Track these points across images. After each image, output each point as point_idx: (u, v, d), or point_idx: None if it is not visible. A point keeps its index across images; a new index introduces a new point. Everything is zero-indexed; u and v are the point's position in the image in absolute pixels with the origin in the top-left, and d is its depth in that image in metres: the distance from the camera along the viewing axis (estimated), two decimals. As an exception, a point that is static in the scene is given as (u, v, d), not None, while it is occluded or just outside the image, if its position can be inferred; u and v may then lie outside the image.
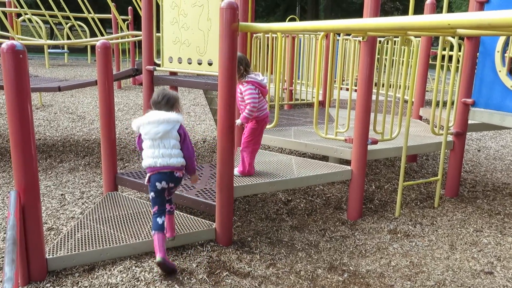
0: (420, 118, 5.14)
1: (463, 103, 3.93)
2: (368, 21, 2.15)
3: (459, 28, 1.94)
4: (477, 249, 3.13)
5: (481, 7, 3.72)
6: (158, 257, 2.52)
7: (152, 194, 2.67)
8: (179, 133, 2.64)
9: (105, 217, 3.10)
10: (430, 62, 5.21)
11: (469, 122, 4.05)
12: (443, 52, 4.06)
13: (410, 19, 1.80)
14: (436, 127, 4.06)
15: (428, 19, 1.73)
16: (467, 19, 1.55)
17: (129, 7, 11.46)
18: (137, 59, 11.81)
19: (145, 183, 2.74)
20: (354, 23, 2.16)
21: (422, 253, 3.05)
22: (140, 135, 2.68)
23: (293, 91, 6.26)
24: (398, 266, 2.87)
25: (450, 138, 4.04)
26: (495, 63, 3.73)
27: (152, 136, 2.60)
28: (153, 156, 2.61)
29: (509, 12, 1.45)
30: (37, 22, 8.76)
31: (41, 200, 3.58)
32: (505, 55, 3.83)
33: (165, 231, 2.68)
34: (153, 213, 2.67)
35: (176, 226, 2.94)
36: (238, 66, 2.94)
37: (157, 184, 2.62)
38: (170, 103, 2.69)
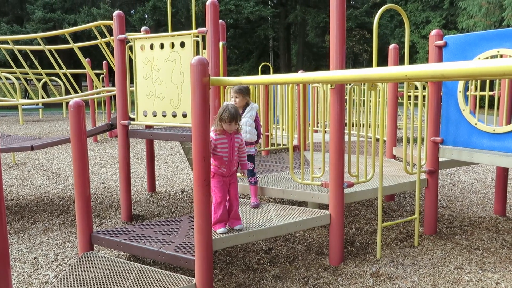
0: (394, 157, 5.25)
1: (432, 141, 4.05)
2: (332, 74, 2.24)
3: (415, 79, 2.05)
4: (460, 287, 3.13)
5: (439, 50, 3.94)
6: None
7: None
8: None
9: (80, 280, 2.98)
10: (399, 100, 5.39)
11: (441, 159, 4.17)
12: (409, 93, 4.24)
13: (370, 71, 1.89)
14: (409, 165, 4.15)
15: (387, 71, 1.83)
16: (422, 71, 1.64)
17: (104, 62, 11.62)
18: (113, 111, 11.82)
19: None
20: (319, 75, 2.24)
21: (405, 296, 3.03)
22: None
23: (269, 136, 6.34)
24: (383, 311, 2.84)
25: (423, 176, 4.13)
26: (458, 102, 3.90)
27: None
28: None
29: (460, 63, 1.54)
30: (7, 79, 8.78)
31: (13, 266, 3.45)
32: (467, 93, 4.01)
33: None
34: None
35: (154, 285, 2.85)
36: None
37: None
38: None
